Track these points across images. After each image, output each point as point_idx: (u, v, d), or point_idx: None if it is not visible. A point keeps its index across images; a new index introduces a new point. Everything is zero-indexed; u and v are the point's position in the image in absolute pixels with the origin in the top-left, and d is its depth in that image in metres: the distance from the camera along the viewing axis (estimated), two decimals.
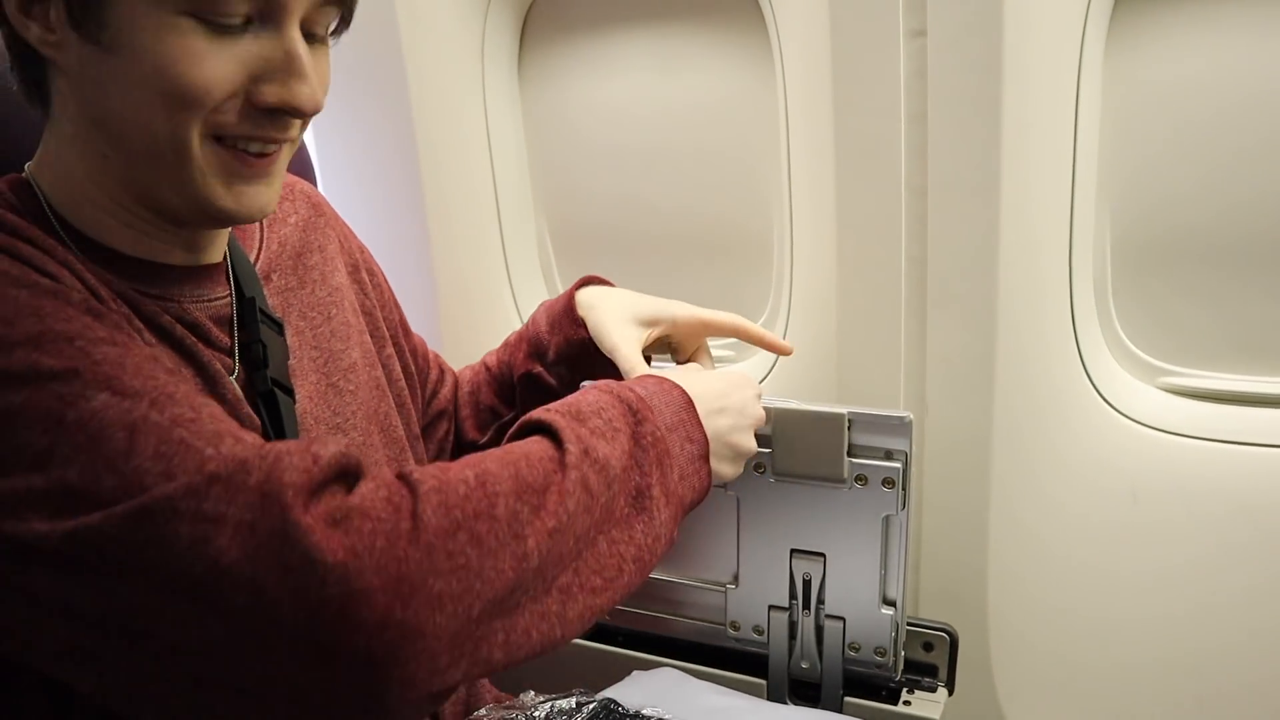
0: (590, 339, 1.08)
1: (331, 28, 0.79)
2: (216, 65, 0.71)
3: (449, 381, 1.24)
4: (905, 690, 1.05)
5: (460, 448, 1.22)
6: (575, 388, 1.03)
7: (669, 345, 1.13)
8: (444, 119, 1.69)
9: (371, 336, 1.03)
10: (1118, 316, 1.40)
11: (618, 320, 1.05)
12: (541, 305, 1.17)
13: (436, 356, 1.24)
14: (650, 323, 1.07)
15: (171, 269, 0.82)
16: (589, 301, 1.09)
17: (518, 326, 1.78)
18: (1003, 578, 1.43)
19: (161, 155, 0.73)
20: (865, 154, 1.34)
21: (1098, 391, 1.39)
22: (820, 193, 1.41)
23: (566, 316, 1.10)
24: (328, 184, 1.66)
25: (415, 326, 1.21)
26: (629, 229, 1.73)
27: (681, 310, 1.09)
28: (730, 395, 0.94)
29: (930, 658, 1.05)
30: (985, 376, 1.35)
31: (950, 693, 1.10)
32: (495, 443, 1.14)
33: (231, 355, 0.84)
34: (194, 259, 0.84)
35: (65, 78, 0.74)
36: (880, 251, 1.36)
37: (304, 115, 0.76)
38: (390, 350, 1.07)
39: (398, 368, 1.08)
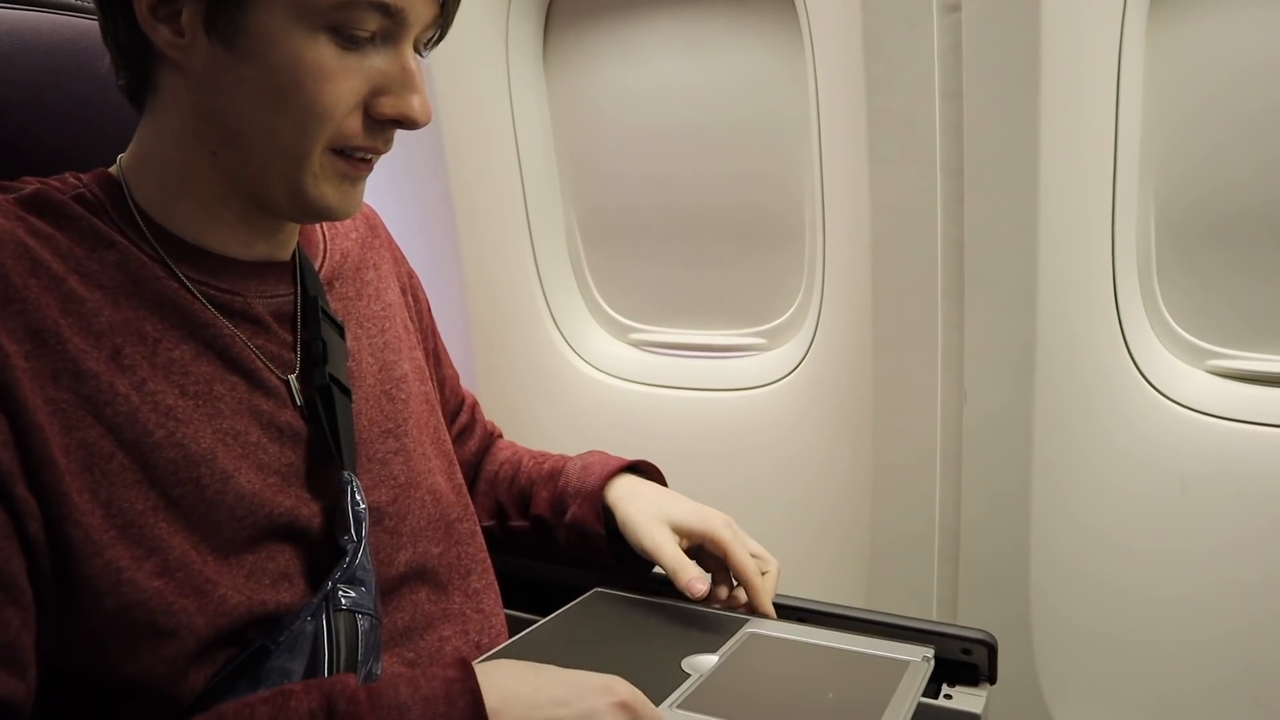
0: (598, 539, 1.04)
1: (428, 41, 0.82)
2: (344, 81, 0.74)
3: (477, 434, 1.21)
4: (945, 684, 1.02)
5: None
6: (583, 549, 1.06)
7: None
8: (469, 108, 1.69)
9: (422, 355, 1.05)
10: (1163, 298, 1.37)
11: (654, 522, 1.01)
12: (578, 459, 1.12)
13: (474, 406, 1.22)
14: (684, 532, 1.01)
15: (240, 264, 0.83)
16: (619, 497, 1.05)
17: (546, 319, 1.81)
18: (1046, 570, 1.40)
19: (280, 159, 0.76)
20: (898, 134, 1.31)
21: (1143, 375, 1.36)
22: (852, 175, 1.39)
23: (590, 506, 1.05)
24: None
25: (441, 320, 1.19)
26: (657, 216, 1.71)
27: (715, 531, 1.00)
28: (570, 704, 0.71)
29: (970, 659, 1.02)
30: (1026, 362, 1.32)
31: (992, 683, 1.07)
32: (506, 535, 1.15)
33: (293, 350, 0.85)
34: (269, 254, 0.86)
35: (181, 77, 0.76)
36: (915, 234, 1.33)
37: (417, 125, 0.79)
38: (430, 373, 1.07)
39: (436, 390, 1.08)
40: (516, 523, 1.14)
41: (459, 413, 1.18)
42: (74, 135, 0.91)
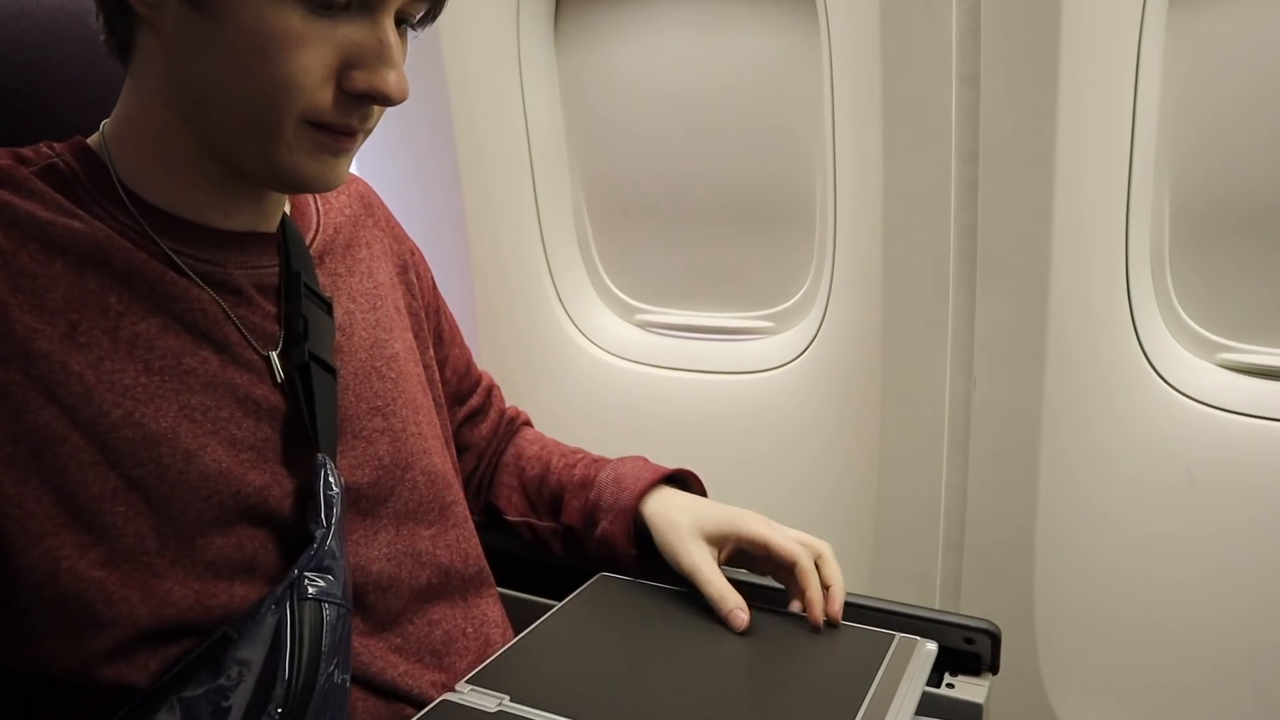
0: (629, 558, 1.02)
1: (418, 18, 0.79)
2: (312, 50, 0.71)
3: (491, 417, 1.18)
4: (948, 673, 1.02)
5: (490, 508, 1.16)
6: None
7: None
8: (479, 87, 1.67)
9: (415, 337, 1.02)
10: (1174, 289, 1.36)
11: (689, 538, 0.97)
12: (611, 469, 1.07)
13: (489, 389, 1.19)
14: (719, 540, 0.98)
15: (220, 233, 0.81)
16: (654, 512, 1.01)
17: (553, 299, 1.80)
18: (1051, 560, 1.40)
19: (250, 128, 0.73)
20: (914, 118, 1.29)
21: (1153, 367, 1.35)
22: (866, 158, 1.37)
23: (621, 525, 1.02)
24: (360, 154, 1.64)
25: (447, 298, 1.17)
26: (667, 197, 1.70)
27: (749, 529, 0.97)
28: None
29: (973, 648, 1.01)
30: (1036, 350, 1.31)
31: (994, 673, 1.07)
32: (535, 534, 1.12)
33: (278, 324, 0.83)
34: (252, 224, 0.83)
35: (156, 36, 0.73)
36: (928, 219, 1.32)
37: (391, 102, 0.76)
38: (430, 354, 1.04)
39: (436, 371, 1.05)
40: (545, 524, 1.11)
41: (470, 394, 1.15)
42: (73, 99, 0.90)
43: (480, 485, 1.17)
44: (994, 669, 0.98)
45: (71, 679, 0.69)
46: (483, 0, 1.59)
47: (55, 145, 0.77)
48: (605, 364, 1.77)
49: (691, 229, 1.70)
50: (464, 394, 1.14)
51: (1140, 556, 1.37)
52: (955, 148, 1.28)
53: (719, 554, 0.98)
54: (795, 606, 0.95)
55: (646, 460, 1.08)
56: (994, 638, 0.99)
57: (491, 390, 1.19)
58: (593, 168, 1.76)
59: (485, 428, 1.16)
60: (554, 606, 0.97)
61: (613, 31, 1.65)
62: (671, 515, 0.99)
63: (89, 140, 0.79)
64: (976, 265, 1.32)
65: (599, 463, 1.11)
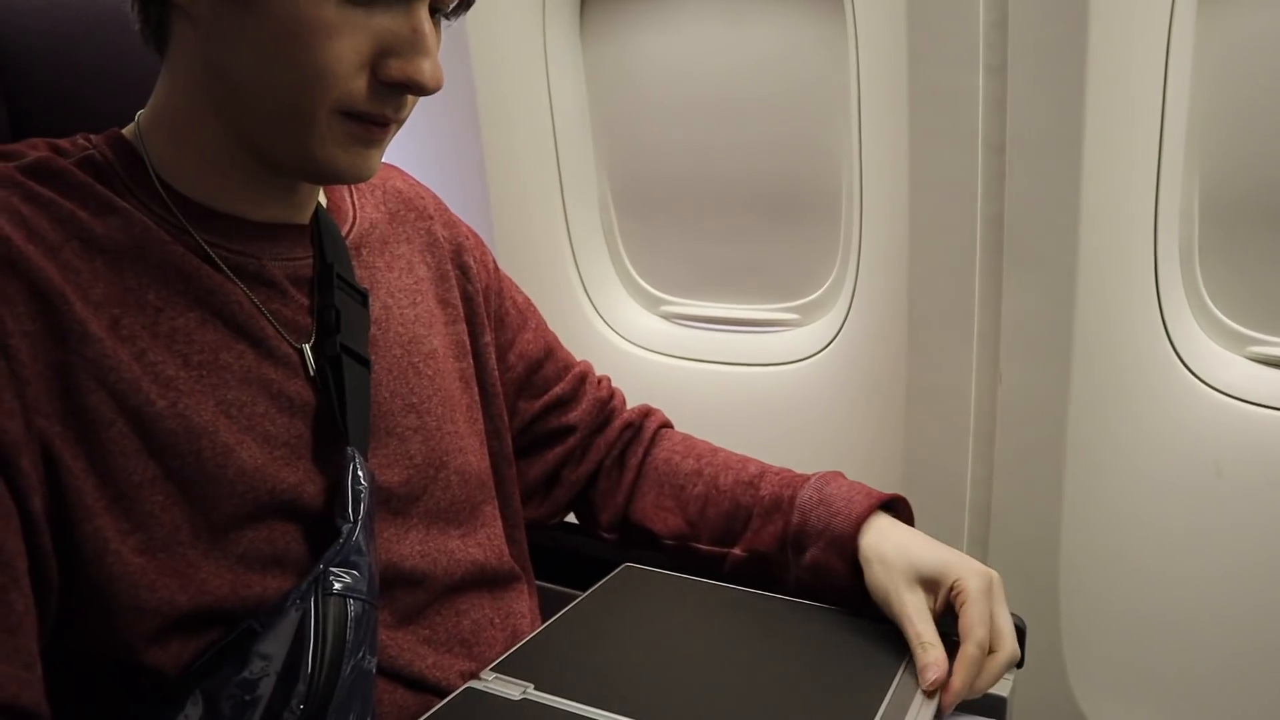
0: (847, 587, 0.95)
1: (451, 7, 0.79)
2: (347, 38, 0.71)
3: (583, 404, 1.12)
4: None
5: (633, 525, 1.10)
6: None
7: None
8: (505, 74, 1.67)
9: (468, 323, 1.00)
10: (1204, 281, 1.35)
11: (902, 580, 0.90)
12: (813, 491, 1.00)
13: (582, 375, 1.13)
14: (931, 584, 0.89)
15: (252, 224, 0.81)
16: (868, 544, 0.93)
17: (578, 290, 1.80)
18: (1077, 554, 1.39)
19: (284, 118, 0.73)
20: (940, 107, 1.29)
21: (1181, 360, 1.34)
22: (892, 148, 1.36)
23: (839, 554, 0.95)
24: None
25: None
26: (692, 187, 1.69)
27: (962, 579, 0.87)
28: None
29: None
30: (1063, 343, 1.30)
31: (1019, 666, 1.06)
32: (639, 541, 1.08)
33: (311, 316, 0.83)
34: (285, 216, 0.83)
35: (191, 24, 0.73)
36: (954, 210, 1.31)
37: (425, 91, 0.75)
38: (488, 339, 1.02)
39: (493, 358, 1.03)
40: (710, 549, 1.05)
41: (554, 383, 1.10)
42: (106, 91, 0.90)
43: (586, 486, 1.13)
44: (1019, 663, 0.97)
45: (105, 662, 0.69)
46: None
47: (91, 137, 0.78)
48: (630, 355, 1.76)
49: (717, 220, 1.70)
50: (542, 383, 1.10)
51: (1167, 551, 1.36)
52: (982, 138, 1.27)
53: (934, 600, 0.89)
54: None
55: (845, 477, 1.02)
56: (1019, 631, 0.98)
57: (585, 378, 1.13)
58: (618, 159, 1.76)
59: (573, 416, 1.11)
60: (578, 596, 0.97)
61: (638, 21, 1.64)
62: (885, 551, 0.92)
63: (124, 131, 0.79)
64: (1003, 257, 1.31)
65: (785, 479, 1.04)
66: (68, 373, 0.68)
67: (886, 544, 0.92)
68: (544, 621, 0.96)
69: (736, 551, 1.03)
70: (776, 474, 1.05)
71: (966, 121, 1.27)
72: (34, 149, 0.74)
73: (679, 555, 1.07)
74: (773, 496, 1.02)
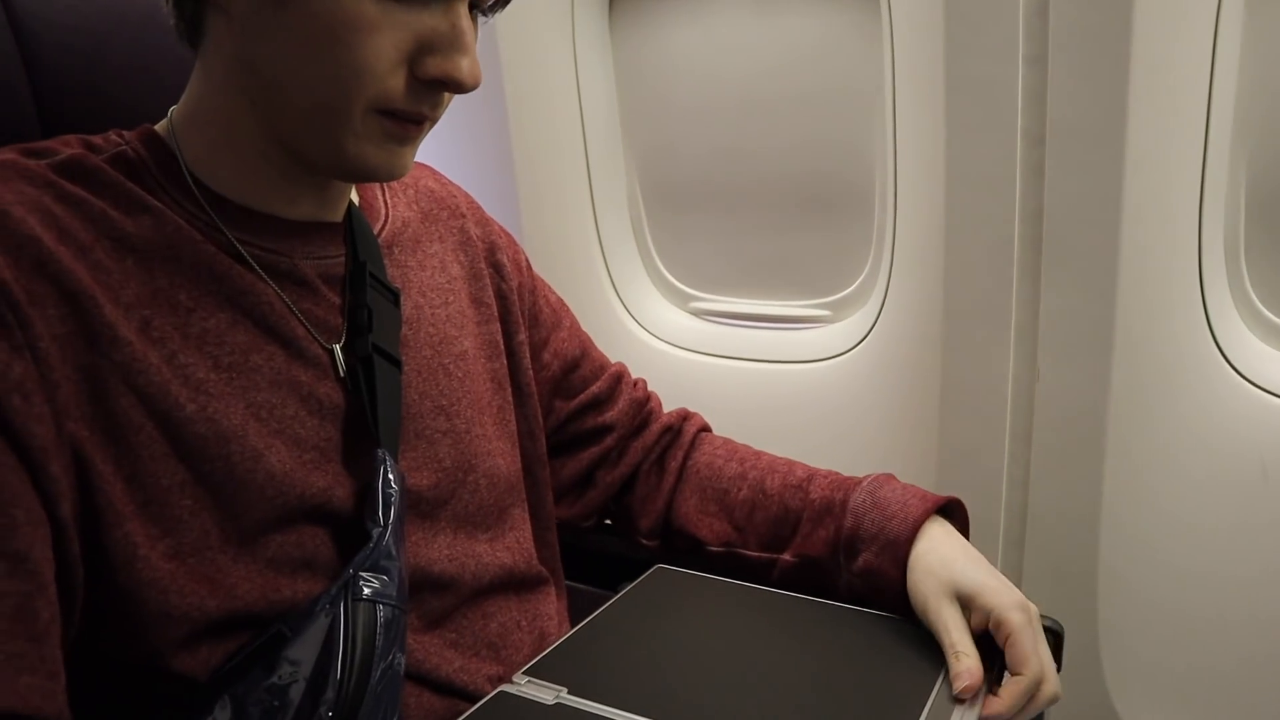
0: (899, 593, 0.93)
1: (490, 3, 0.78)
2: (385, 35, 0.70)
3: (619, 404, 1.10)
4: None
5: (678, 533, 1.09)
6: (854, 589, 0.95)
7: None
8: (533, 69, 1.66)
9: (501, 322, 0.99)
10: (1249, 276, 1.32)
11: (941, 594, 0.89)
12: (865, 494, 0.98)
13: (617, 375, 1.12)
14: (965, 601, 0.88)
15: (285, 222, 0.80)
16: (919, 554, 0.92)
17: (607, 287, 1.79)
18: (1116, 557, 1.36)
19: (318, 115, 0.73)
20: (978, 99, 1.26)
21: (1225, 358, 1.31)
22: (928, 141, 1.34)
23: (892, 559, 0.93)
24: None
25: None
26: (722, 182, 1.68)
27: (1003, 612, 0.85)
28: None
29: None
30: (1104, 339, 1.28)
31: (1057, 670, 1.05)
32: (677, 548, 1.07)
33: (341, 315, 0.82)
34: (317, 214, 0.83)
35: (226, 20, 0.73)
36: (992, 204, 1.29)
37: (464, 89, 0.74)
38: (523, 337, 1.01)
39: (527, 357, 1.02)
40: (758, 554, 1.04)
41: (590, 383, 1.09)
42: (137, 87, 0.90)
43: (623, 490, 1.11)
44: (1056, 666, 0.95)
45: (133, 668, 0.68)
46: None
47: (124, 133, 0.77)
48: (660, 352, 1.75)
49: (747, 215, 1.68)
50: (578, 383, 1.09)
51: (1209, 552, 1.33)
52: (1021, 130, 1.25)
53: (971, 618, 0.88)
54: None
55: (897, 480, 1.00)
56: (1056, 635, 0.96)
57: (620, 379, 1.12)
58: (648, 154, 1.75)
59: (609, 416, 1.09)
60: (608, 597, 0.96)
61: (668, 16, 1.63)
62: (932, 562, 0.91)
63: (157, 127, 0.78)
64: (1042, 252, 1.29)
65: (836, 482, 1.02)
66: (97, 376, 0.67)
67: (934, 555, 0.91)
68: (572, 623, 0.95)
69: (786, 557, 1.02)
70: (826, 477, 1.03)
71: (1005, 113, 1.25)
72: (67, 145, 0.74)
73: (725, 561, 1.05)
74: (824, 500, 1.00)
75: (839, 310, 1.65)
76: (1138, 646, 1.40)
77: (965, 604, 0.88)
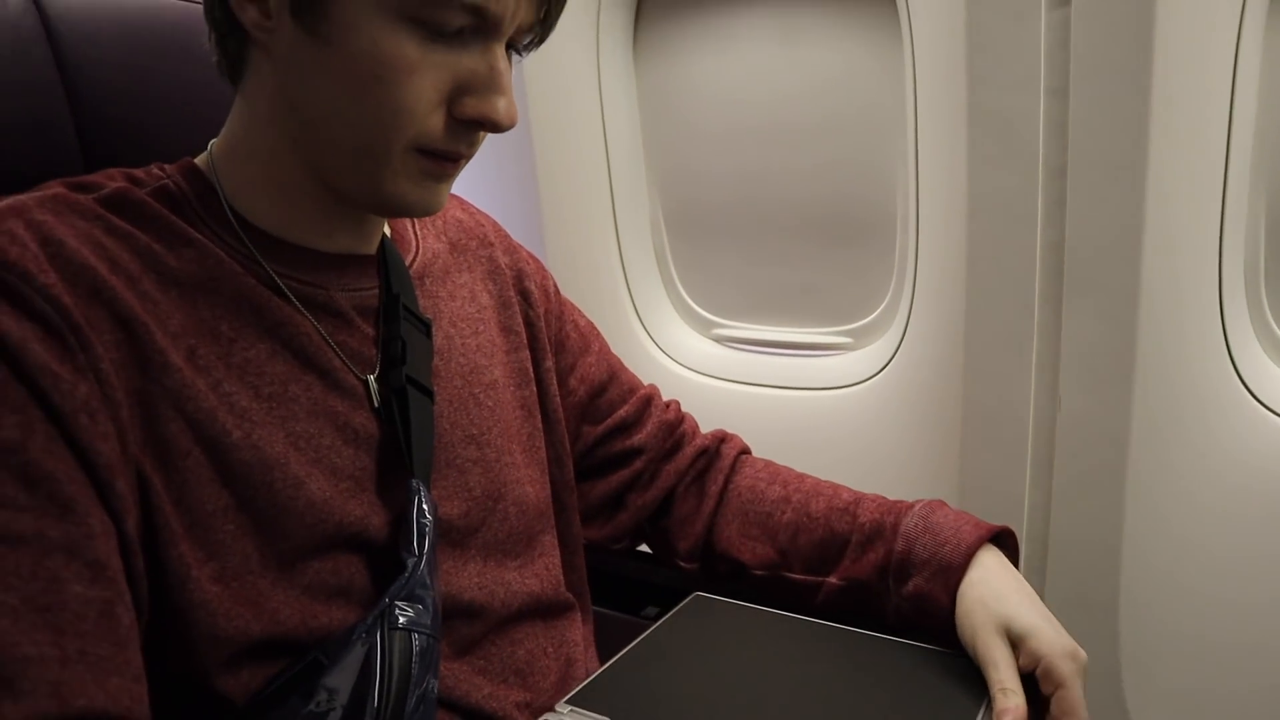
0: (947, 620, 0.92)
1: (525, 42, 0.79)
2: (425, 76, 0.71)
3: (648, 427, 1.09)
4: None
5: (719, 556, 1.08)
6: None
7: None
8: (558, 96, 1.68)
9: (530, 349, 1.00)
10: (1270, 305, 1.32)
11: (992, 628, 0.87)
12: (917, 518, 0.97)
13: (647, 398, 1.12)
14: (1015, 640, 0.86)
15: (322, 255, 0.81)
16: (970, 583, 0.91)
17: (630, 313, 1.80)
18: (1138, 585, 1.36)
19: (358, 153, 0.74)
20: (1000, 131, 1.27)
21: (1247, 388, 1.31)
22: (949, 173, 1.35)
23: (944, 586, 0.92)
24: None
25: None
26: (744, 209, 1.69)
27: (1054, 662, 0.84)
28: None
29: None
30: (1124, 370, 1.28)
31: None
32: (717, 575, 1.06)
33: (375, 346, 0.83)
34: (352, 247, 0.84)
35: (270, 60, 0.74)
36: (1014, 235, 1.30)
37: (500, 129, 0.75)
38: (550, 364, 1.02)
39: (554, 383, 1.02)
40: (803, 578, 1.03)
41: (618, 407, 1.09)
42: (175, 121, 0.92)
43: (658, 514, 1.11)
44: None
45: (178, 685, 0.70)
46: (564, 11, 1.60)
47: (165, 166, 0.79)
48: (682, 378, 1.76)
49: (769, 243, 1.69)
50: (605, 407, 1.09)
51: (1232, 581, 1.33)
52: (1043, 161, 1.26)
53: (1018, 658, 0.86)
54: None
55: (948, 505, 0.99)
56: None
57: (650, 401, 1.12)
58: (671, 181, 1.76)
59: (638, 439, 1.08)
60: (633, 621, 0.97)
61: (692, 44, 1.65)
62: (984, 594, 0.89)
63: (197, 161, 0.80)
64: (1063, 281, 1.29)
65: (885, 505, 1.01)
66: (149, 401, 0.68)
67: (986, 587, 0.90)
68: (599, 648, 0.95)
69: (832, 580, 1.00)
70: (874, 501, 1.02)
71: (1027, 144, 1.25)
72: (111, 179, 0.76)
73: (768, 585, 1.04)
74: (873, 523, 0.99)
75: (860, 337, 1.66)
76: (1160, 674, 1.39)
77: (1015, 643, 0.86)
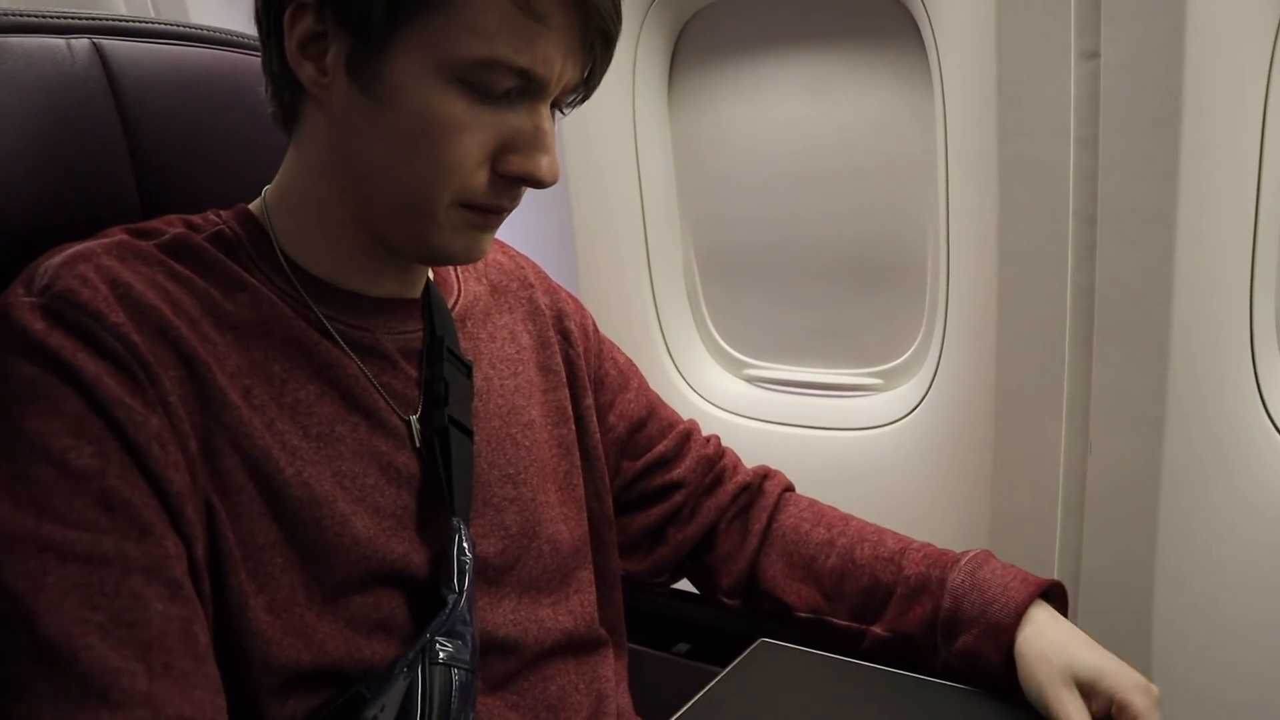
0: (999, 676, 0.92)
1: (569, 101, 0.81)
2: (473, 135, 0.74)
3: (686, 462, 1.10)
4: None
5: (763, 594, 1.08)
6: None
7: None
8: (594, 142, 1.71)
9: (570, 388, 1.01)
10: None
11: (1060, 681, 0.87)
12: (965, 574, 0.97)
13: (687, 433, 1.12)
14: (1086, 687, 0.87)
15: (369, 299, 0.84)
16: (1026, 639, 0.91)
17: (663, 353, 1.81)
18: (1169, 631, 1.35)
19: (405, 206, 0.77)
20: (1030, 180, 1.29)
21: (1278, 429, 1.31)
22: (980, 219, 1.37)
23: (995, 644, 0.92)
24: None
25: None
26: (776, 252, 1.71)
27: (1126, 695, 0.85)
28: None
29: None
30: (1155, 413, 1.28)
31: None
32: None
33: (418, 388, 0.85)
34: (398, 291, 0.87)
35: (324, 114, 0.77)
36: (1045, 279, 1.31)
37: (542, 185, 0.78)
38: (589, 402, 1.03)
39: (594, 420, 1.03)
40: (848, 624, 1.03)
41: (657, 442, 1.09)
42: (228, 168, 0.94)
43: (700, 549, 1.11)
44: None
45: (232, 708, 0.72)
46: None
47: (221, 212, 0.82)
48: (714, 418, 1.77)
49: (801, 285, 1.71)
50: (645, 443, 1.09)
51: (1267, 629, 1.32)
52: (1073, 210, 1.27)
53: (1091, 704, 0.87)
54: None
55: (996, 558, 0.99)
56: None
57: (689, 436, 1.13)
58: (703, 225, 1.79)
59: (677, 474, 1.09)
60: (664, 658, 0.97)
61: (724, 93, 1.67)
62: (1044, 649, 0.89)
63: (251, 207, 0.83)
64: (1094, 326, 1.30)
65: (932, 557, 1.01)
66: (209, 436, 0.71)
67: (1044, 641, 0.90)
68: (630, 684, 0.96)
69: (877, 630, 1.01)
70: (919, 550, 1.03)
71: (1058, 194, 1.27)
72: (170, 225, 0.79)
73: (812, 628, 1.05)
74: (919, 577, 0.99)
75: (891, 379, 1.67)
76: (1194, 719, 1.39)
77: (1085, 689, 0.87)
